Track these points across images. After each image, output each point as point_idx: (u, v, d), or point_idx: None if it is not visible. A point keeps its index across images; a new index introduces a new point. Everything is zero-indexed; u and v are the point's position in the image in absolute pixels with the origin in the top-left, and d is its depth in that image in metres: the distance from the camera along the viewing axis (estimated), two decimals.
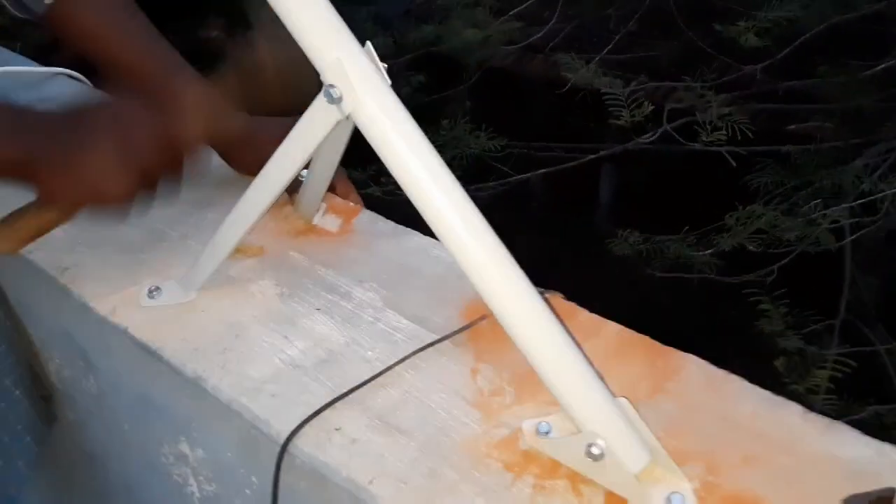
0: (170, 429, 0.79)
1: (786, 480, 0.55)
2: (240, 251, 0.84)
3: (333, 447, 0.62)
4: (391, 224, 0.88)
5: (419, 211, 0.55)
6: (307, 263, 0.81)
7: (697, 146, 2.24)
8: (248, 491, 0.73)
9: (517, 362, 0.67)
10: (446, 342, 0.70)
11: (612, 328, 0.70)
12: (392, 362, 0.68)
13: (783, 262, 2.16)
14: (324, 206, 0.88)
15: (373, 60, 0.54)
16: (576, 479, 0.57)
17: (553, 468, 0.58)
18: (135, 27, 0.86)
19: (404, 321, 0.73)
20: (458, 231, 0.55)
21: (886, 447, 0.57)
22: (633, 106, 2.33)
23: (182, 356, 0.71)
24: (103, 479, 1.04)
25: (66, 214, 0.74)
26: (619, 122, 2.27)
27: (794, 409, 0.59)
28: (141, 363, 0.76)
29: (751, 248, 2.22)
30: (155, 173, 0.69)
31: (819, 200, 2.18)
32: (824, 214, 2.14)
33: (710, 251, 2.29)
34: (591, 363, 0.55)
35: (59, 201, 0.72)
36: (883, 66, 2.25)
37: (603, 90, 2.33)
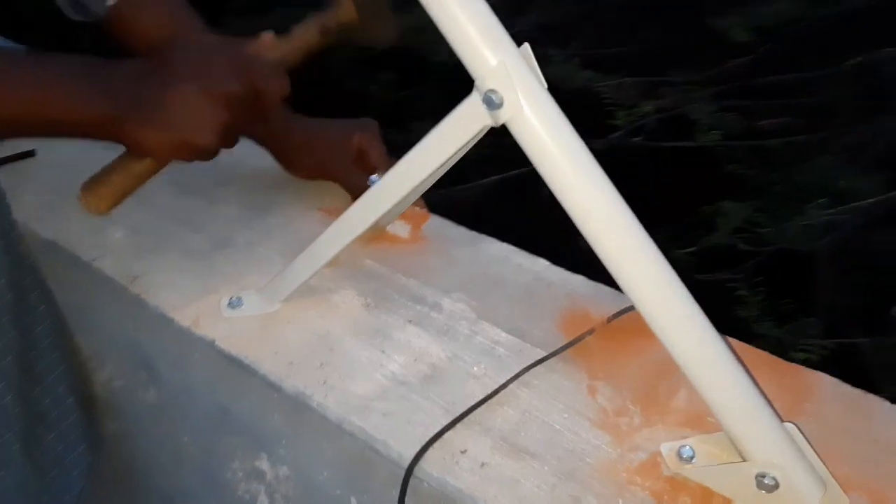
0: (249, 444, 0.71)
1: (877, 450, 0.51)
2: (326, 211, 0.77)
3: (463, 471, 0.55)
4: (462, 229, 0.81)
5: (579, 226, 0.49)
6: (386, 272, 0.74)
7: (681, 143, 2.22)
8: None
9: (635, 379, 0.62)
10: (557, 360, 0.64)
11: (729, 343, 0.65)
12: (500, 378, 0.62)
13: (760, 258, 2.15)
14: None
15: (531, 65, 0.48)
16: None
17: (705, 497, 0.52)
18: (197, 25, 0.77)
19: (503, 334, 0.67)
20: (624, 250, 0.49)
21: None
22: (614, 102, 2.29)
23: (278, 371, 0.64)
24: (145, 491, 0.95)
25: (156, 165, 0.66)
26: (610, 120, 2.24)
27: None
28: (225, 376, 0.68)
29: (730, 243, 2.21)
30: (239, 117, 0.62)
31: (799, 196, 2.18)
32: (801, 210, 2.15)
33: (691, 248, 2.28)
34: (758, 386, 0.50)
35: (150, 154, 0.64)
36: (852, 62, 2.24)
37: (584, 86, 2.29)
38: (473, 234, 0.79)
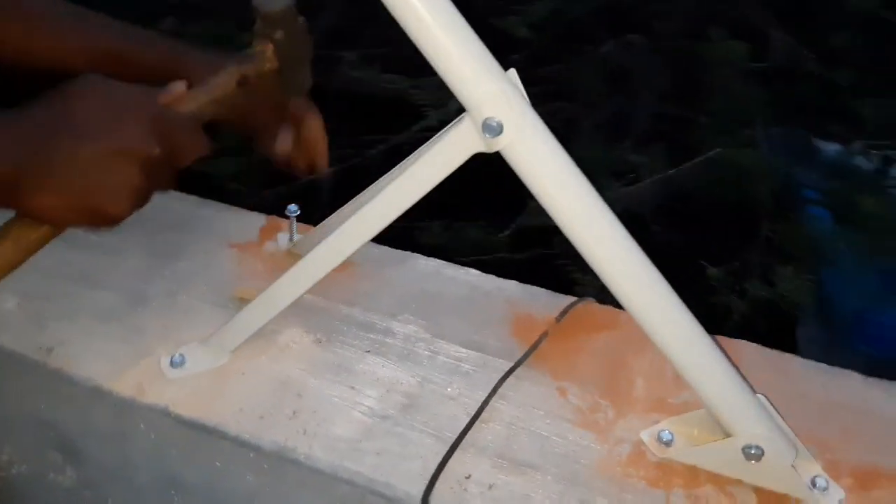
0: None
1: (879, 444, 0.59)
2: (241, 298, 0.71)
3: (474, 498, 0.55)
4: (385, 248, 0.79)
5: (576, 245, 0.51)
6: (326, 304, 0.71)
7: None
8: None
9: (595, 374, 0.65)
10: (522, 366, 0.65)
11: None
12: (475, 395, 0.62)
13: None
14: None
15: (521, 90, 0.48)
16: (720, 482, 0.55)
17: (693, 475, 0.57)
18: (94, 16, 0.64)
19: (462, 350, 0.67)
20: (617, 261, 0.50)
21: None
22: (422, 102, 2.33)
23: (251, 428, 0.59)
24: None
25: (53, 232, 0.54)
26: (423, 121, 2.27)
27: (853, 375, 0.65)
28: (178, 443, 0.62)
29: (541, 223, 2.34)
30: (153, 179, 0.52)
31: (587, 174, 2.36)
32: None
33: (506, 233, 2.37)
34: (734, 365, 0.54)
35: (48, 221, 0.53)
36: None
37: (389, 87, 2.29)
38: (398, 252, 0.78)
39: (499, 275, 0.76)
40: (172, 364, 0.63)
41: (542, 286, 0.74)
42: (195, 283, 0.72)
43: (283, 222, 0.80)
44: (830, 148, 2.56)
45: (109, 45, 0.63)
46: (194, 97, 0.56)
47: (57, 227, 0.56)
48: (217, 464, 0.62)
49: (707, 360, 0.53)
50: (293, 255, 0.75)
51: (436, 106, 2.29)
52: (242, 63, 0.59)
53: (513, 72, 0.48)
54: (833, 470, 0.56)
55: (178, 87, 0.55)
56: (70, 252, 0.74)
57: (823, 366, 0.65)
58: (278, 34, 0.57)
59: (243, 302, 0.70)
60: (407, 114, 2.26)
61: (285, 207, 0.77)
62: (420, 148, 0.51)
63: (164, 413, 0.61)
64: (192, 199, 0.83)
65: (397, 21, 0.45)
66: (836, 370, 0.65)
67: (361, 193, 0.66)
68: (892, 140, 2.36)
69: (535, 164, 0.49)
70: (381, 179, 0.63)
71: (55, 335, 0.66)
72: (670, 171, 2.37)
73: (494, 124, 0.47)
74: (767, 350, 0.66)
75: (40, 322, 0.67)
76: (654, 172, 2.42)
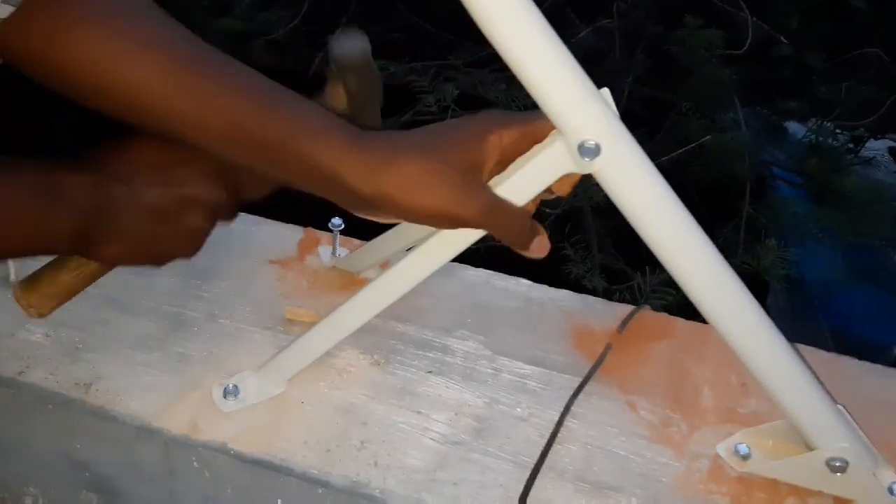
0: None
1: None
2: (292, 320, 0.67)
3: None
4: None
5: (670, 267, 0.48)
6: (378, 322, 0.67)
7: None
8: None
9: (662, 386, 0.63)
10: (590, 382, 0.63)
11: (716, 332, 0.68)
12: (546, 415, 0.59)
13: (551, 217, 2.30)
14: None
15: (614, 109, 0.45)
16: (801, 494, 0.54)
17: (774, 489, 0.55)
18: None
19: (526, 367, 0.64)
20: (706, 277, 0.48)
21: None
22: (418, 87, 2.29)
23: (317, 463, 0.55)
24: None
25: (105, 269, 0.54)
26: (418, 105, 2.22)
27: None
28: (235, 480, 0.58)
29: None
30: (218, 219, 0.52)
31: None
32: None
33: None
34: (816, 375, 0.53)
35: (116, 265, 0.52)
36: None
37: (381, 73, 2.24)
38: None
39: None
40: (226, 395, 0.59)
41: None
42: (238, 305, 0.68)
43: (322, 235, 0.76)
44: (802, 129, 2.58)
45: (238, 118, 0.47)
46: None
47: (111, 264, 0.53)
48: (279, 501, 0.58)
49: (792, 374, 0.51)
50: (338, 271, 0.72)
51: (431, 91, 2.24)
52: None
53: (606, 91, 0.45)
54: None
55: None
56: None
57: (879, 366, 0.64)
58: (352, 80, 0.53)
59: (293, 324, 0.66)
60: (402, 99, 2.22)
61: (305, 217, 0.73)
62: (508, 168, 0.48)
63: (223, 450, 0.57)
64: None
65: (492, 43, 0.42)
66: (889, 369, 0.64)
67: None
68: (861, 120, 2.39)
69: (629, 186, 0.46)
70: None
71: (92, 369, 0.62)
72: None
73: (592, 146, 0.44)
74: (822, 353, 0.65)
75: (73, 354, 0.63)
76: None
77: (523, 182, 0.47)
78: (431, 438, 0.58)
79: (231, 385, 0.60)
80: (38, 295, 0.53)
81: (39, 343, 0.64)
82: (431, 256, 0.52)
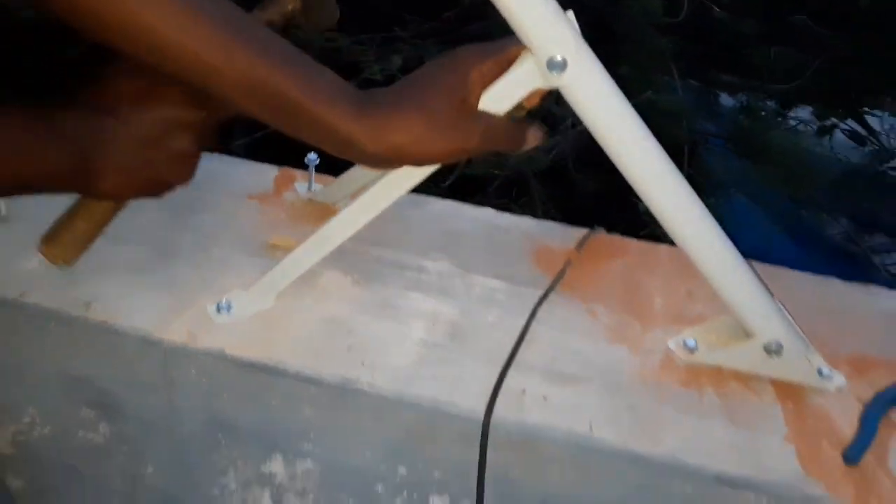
0: (253, 452, 0.65)
1: (865, 337, 0.66)
2: (276, 247, 0.71)
3: (532, 408, 0.58)
4: None
5: (629, 174, 0.54)
6: (356, 246, 0.71)
7: None
8: (378, 487, 0.65)
9: (617, 296, 0.69)
10: (552, 293, 0.69)
11: (666, 251, 0.75)
12: (515, 321, 0.65)
13: (499, 180, 2.36)
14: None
15: (577, 29, 0.50)
16: (743, 379, 0.61)
17: (718, 375, 0.62)
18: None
19: (495, 282, 0.70)
20: (665, 190, 0.54)
21: None
22: (363, 59, 2.31)
23: (310, 363, 0.60)
24: None
25: (119, 206, 0.58)
26: (364, 75, 2.25)
27: (835, 281, 0.71)
28: (232, 386, 0.62)
29: (474, 172, 2.40)
30: (204, 131, 0.55)
31: None
32: None
33: (449, 181, 2.41)
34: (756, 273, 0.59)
35: (117, 198, 0.56)
36: None
37: (326, 46, 2.26)
38: (415, 195, 0.79)
39: None
40: (219, 311, 0.63)
41: None
42: (223, 235, 0.72)
43: (295, 172, 0.80)
44: (735, 92, 2.70)
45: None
46: None
47: (124, 201, 0.56)
48: (273, 402, 0.62)
49: (736, 269, 0.57)
50: (314, 204, 0.75)
51: (376, 61, 2.27)
52: (265, 9, 0.58)
53: (570, 13, 0.50)
54: (832, 362, 0.62)
55: None
56: None
57: (809, 274, 0.72)
58: None
59: (277, 249, 0.70)
60: (349, 70, 2.24)
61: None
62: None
63: (220, 357, 0.61)
64: None
65: None
66: (821, 278, 0.71)
67: None
68: (790, 83, 2.51)
69: (592, 99, 0.51)
70: None
71: (90, 290, 0.64)
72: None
73: (560, 61, 0.49)
74: (763, 265, 0.72)
75: (71, 278, 0.65)
76: (578, 122, 2.50)
77: (502, 97, 0.52)
78: (412, 343, 0.63)
79: (224, 301, 0.63)
80: (61, 246, 0.57)
81: (37, 270, 0.66)
82: (405, 175, 0.57)
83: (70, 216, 0.57)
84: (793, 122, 2.85)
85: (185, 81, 0.48)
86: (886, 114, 2.91)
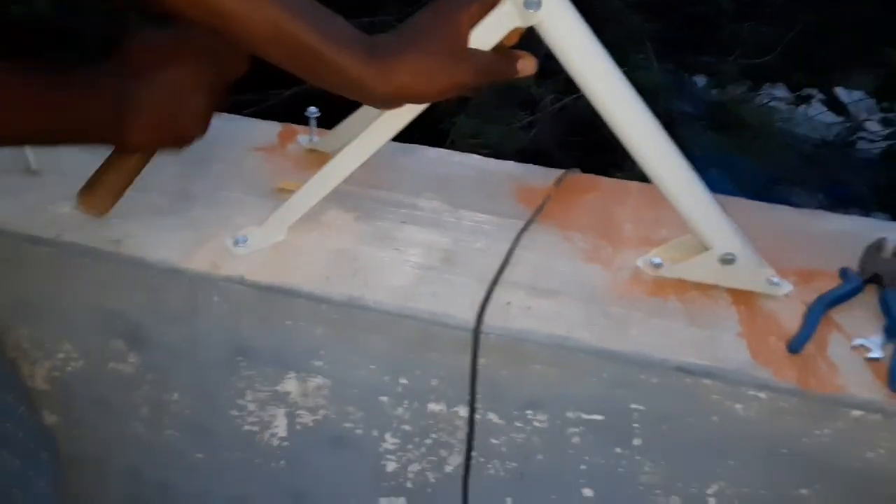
0: (269, 373, 0.73)
1: (811, 253, 0.74)
2: (283, 190, 0.78)
3: (517, 317, 0.66)
4: (392, 143, 0.86)
5: (601, 107, 0.61)
6: (354, 189, 0.79)
7: None
8: (383, 398, 0.73)
9: (592, 225, 0.77)
10: (532, 223, 0.76)
11: (636, 186, 0.83)
12: (501, 247, 0.72)
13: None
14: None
15: None
16: (702, 288, 0.69)
17: (681, 286, 0.69)
18: None
19: (482, 216, 0.77)
20: (632, 118, 0.61)
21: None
22: None
23: (320, 286, 0.67)
24: (108, 472, 0.90)
25: (146, 158, 0.65)
26: None
27: (786, 208, 0.80)
28: (251, 309, 0.69)
29: (463, 149, 2.48)
30: (218, 98, 0.63)
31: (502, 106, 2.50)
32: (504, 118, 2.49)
33: None
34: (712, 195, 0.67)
35: (144, 149, 0.63)
36: None
37: None
38: (405, 144, 0.86)
39: None
40: (237, 244, 0.70)
41: None
42: (235, 181, 0.79)
43: (298, 128, 0.87)
44: (709, 70, 2.78)
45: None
46: None
47: (148, 153, 0.63)
48: (287, 323, 0.69)
49: (695, 190, 0.65)
50: (317, 153, 0.83)
51: None
52: None
53: None
54: (781, 273, 0.70)
55: None
56: None
57: (764, 203, 0.80)
58: None
59: (284, 192, 0.77)
60: None
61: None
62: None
63: (240, 282, 0.68)
64: None
65: None
66: (773, 205, 0.79)
67: None
68: (763, 57, 2.60)
69: (565, 36, 0.58)
70: None
71: (120, 229, 0.71)
72: (566, 100, 2.54)
73: (535, 0, 0.56)
74: (722, 196, 0.80)
75: (100, 221, 0.72)
76: (556, 101, 2.59)
77: (487, 34, 0.59)
78: (410, 267, 0.70)
79: (241, 235, 0.70)
80: (98, 198, 0.65)
81: (70, 214, 0.73)
82: (392, 119, 0.64)
83: (103, 171, 0.64)
84: (766, 98, 2.94)
85: (213, 27, 0.55)
86: (856, 90, 3.00)
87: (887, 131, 2.78)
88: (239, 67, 0.64)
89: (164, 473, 0.89)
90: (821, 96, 2.96)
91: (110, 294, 0.73)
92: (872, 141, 2.97)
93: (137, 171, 0.65)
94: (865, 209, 2.78)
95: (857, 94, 2.98)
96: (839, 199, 2.86)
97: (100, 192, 0.64)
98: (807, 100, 2.94)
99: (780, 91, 2.99)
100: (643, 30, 2.51)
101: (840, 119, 3.02)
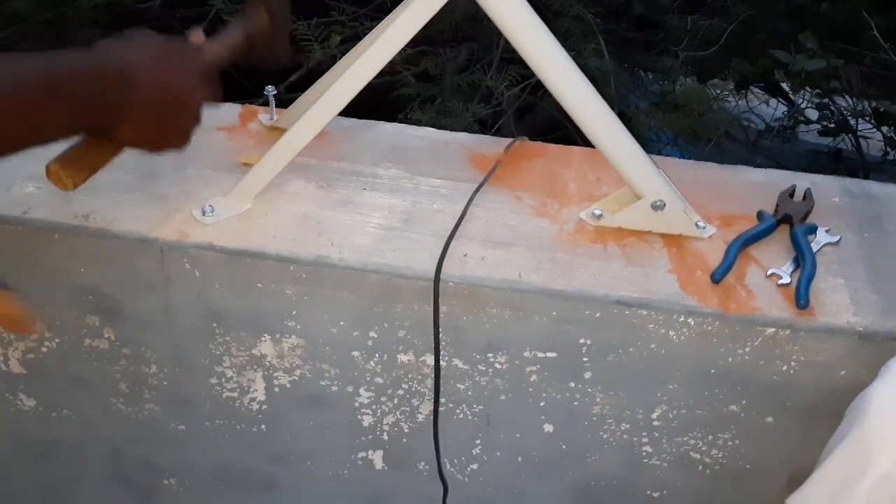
0: (244, 336, 0.78)
1: (733, 201, 0.81)
2: (247, 164, 0.83)
3: (473, 266, 0.72)
4: (352, 119, 0.90)
5: (537, 69, 0.67)
6: (316, 161, 0.84)
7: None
8: (355, 353, 0.78)
9: (539, 185, 0.83)
10: (485, 186, 0.82)
11: (579, 150, 0.89)
12: (457, 207, 0.78)
13: None
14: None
15: None
16: (638, 235, 0.75)
17: (619, 234, 0.76)
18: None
19: (438, 181, 0.83)
20: (569, 81, 0.68)
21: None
22: (306, 39, 2.42)
23: (288, 247, 0.72)
24: (88, 451, 0.93)
25: (119, 149, 0.68)
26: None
27: (711, 164, 0.87)
28: (222, 275, 0.74)
29: None
30: (202, 108, 0.65)
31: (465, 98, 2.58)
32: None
33: None
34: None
35: (126, 146, 0.65)
36: None
37: None
38: (364, 121, 0.92)
39: None
40: (204, 213, 0.75)
41: None
42: (199, 159, 0.83)
43: (257, 108, 0.92)
44: (657, 64, 2.89)
45: None
46: (212, 47, 0.68)
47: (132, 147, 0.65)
48: (259, 285, 0.74)
49: (626, 143, 0.72)
50: (276, 129, 0.88)
51: (316, 40, 2.37)
52: (244, 22, 0.71)
53: None
54: (706, 218, 0.78)
55: (198, 36, 0.67)
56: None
57: (692, 161, 0.87)
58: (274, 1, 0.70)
59: (249, 166, 0.82)
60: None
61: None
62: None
63: (210, 248, 0.72)
64: None
65: None
66: (700, 163, 0.87)
67: (339, 63, 0.79)
68: (706, 50, 2.72)
69: (504, 9, 0.65)
70: (361, 42, 0.77)
71: (86, 205, 0.75)
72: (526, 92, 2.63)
73: None
74: (654, 156, 0.87)
75: (66, 197, 0.75)
76: (515, 95, 2.67)
77: (418, 10, 0.65)
78: (372, 227, 0.76)
79: (208, 205, 0.75)
80: (73, 169, 0.64)
81: (35, 193, 0.77)
82: (354, 77, 0.70)
83: (84, 146, 0.64)
84: (713, 89, 3.06)
85: None
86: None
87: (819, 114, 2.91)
88: (219, 92, 0.67)
89: (146, 450, 0.92)
90: (762, 85, 3.10)
91: (81, 269, 0.76)
92: (809, 123, 3.11)
93: (113, 156, 0.67)
94: None
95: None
96: None
97: (77, 165, 0.65)
98: (748, 84, 3.08)
99: (725, 82, 3.12)
100: (595, 23, 2.61)
101: (781, 106, 3.17)
